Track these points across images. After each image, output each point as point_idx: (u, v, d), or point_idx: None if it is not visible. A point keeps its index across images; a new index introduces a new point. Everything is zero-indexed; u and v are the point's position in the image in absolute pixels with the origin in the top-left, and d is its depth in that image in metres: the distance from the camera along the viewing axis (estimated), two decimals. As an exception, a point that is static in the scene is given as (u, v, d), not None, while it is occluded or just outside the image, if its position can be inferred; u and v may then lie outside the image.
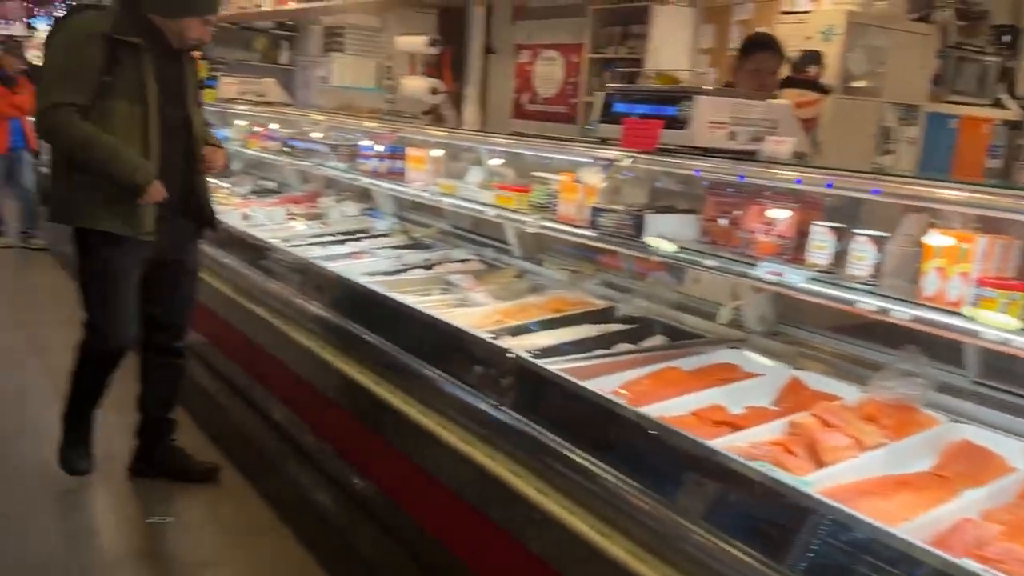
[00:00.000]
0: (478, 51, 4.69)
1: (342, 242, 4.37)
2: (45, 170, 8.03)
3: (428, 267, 3.88)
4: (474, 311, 3.18)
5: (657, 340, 2.93)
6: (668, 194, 2.80)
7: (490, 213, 3.23)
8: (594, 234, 2.73)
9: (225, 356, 4.42)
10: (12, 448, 3.57)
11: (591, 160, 2.72)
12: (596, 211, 2.69)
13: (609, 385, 2.44)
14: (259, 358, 3.92)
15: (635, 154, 2.51)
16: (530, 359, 2.38)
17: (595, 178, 2.78)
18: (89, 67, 2.88)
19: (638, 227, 2.53)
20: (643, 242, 2.52)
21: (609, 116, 2.58)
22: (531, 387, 2.34)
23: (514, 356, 2.42)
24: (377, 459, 3.02)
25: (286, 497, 3.36)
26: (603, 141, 2.72)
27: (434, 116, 4.89)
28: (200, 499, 3.31)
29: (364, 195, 5.14)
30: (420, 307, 3.13)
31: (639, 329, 3.01)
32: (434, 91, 4.64)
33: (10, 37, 13.30)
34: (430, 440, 2.57)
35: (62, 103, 2.87)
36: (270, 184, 6.24)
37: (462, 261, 3.97)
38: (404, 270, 3.83)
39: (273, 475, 3.53)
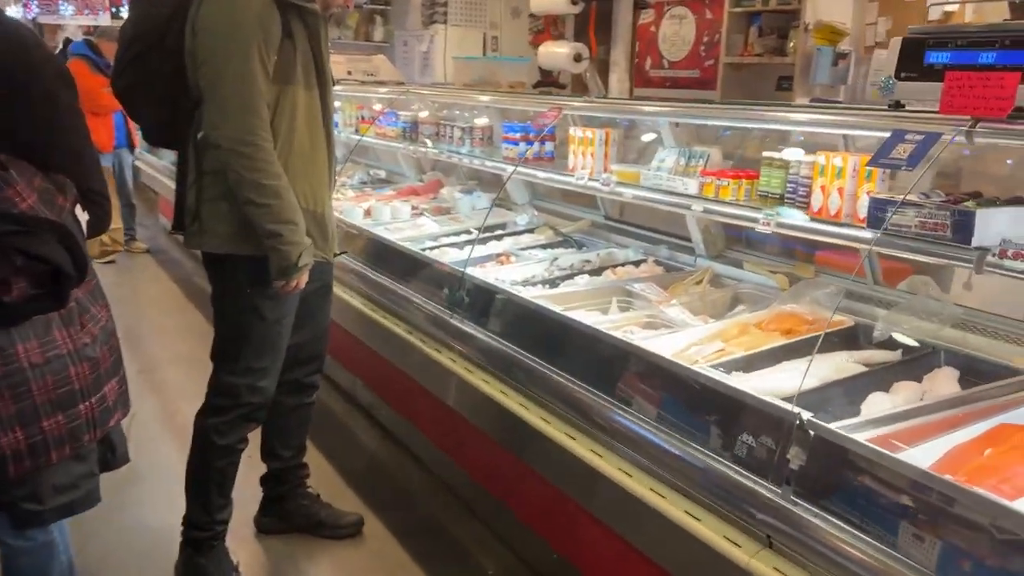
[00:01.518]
0: (628, 7, 3.93)
1: (482, 241, 3.73)
2: (144, 167, 7.66)
3: (595, 272, 3.19)
4: (680, 336, 2.47)
5: (947, 377, 2.16)
6: (977, 178, 2.02)
7: (696, 208, 2.51)
8: (873, 236, 1.98)
9: (353, 373, 3.85)
10: (127, 497, 3.06)
11: (883, 133, 1.96)
12: (881, 204, 1.94)
13: (930, 457, 1.71)
14: (395, 381, 3.32)
15: (965, 123, 1.74)
16: (834, 429, 1.65)
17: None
18: (270, 50, 2.24)
19: (963, 228, 1.77)
20: (972, 248, 1.76)
21: (918, 70, 1.82)
22: (834, 468, 1.62)
23: (805, 423, 1.70)
24: (575, 531, 2.36)
25: (442, 552, 2.77)
26: (896, 105, 1.96)
27: (572, 87, 4.19)
28: (341, 560, 2.74)
29: (493, 183, 4.49)
30: (608, 330, 2.44)
31: (917, 360, 2.25)
32: (578, 57, 3.92)
33: (97, 28, 13.14)
34: (661, 523, 1.89)
35: (258, 130, 2.23)
36: (381, 173, 5.67)
37: (635, 263, 3.26)
38: (567, 276, 3.15)
39: (424, 524, 2.95)
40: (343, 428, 3.75)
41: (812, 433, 1.66)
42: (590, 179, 2.98)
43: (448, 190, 4.74)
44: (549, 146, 3.49)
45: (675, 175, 2.66)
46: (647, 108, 2.92)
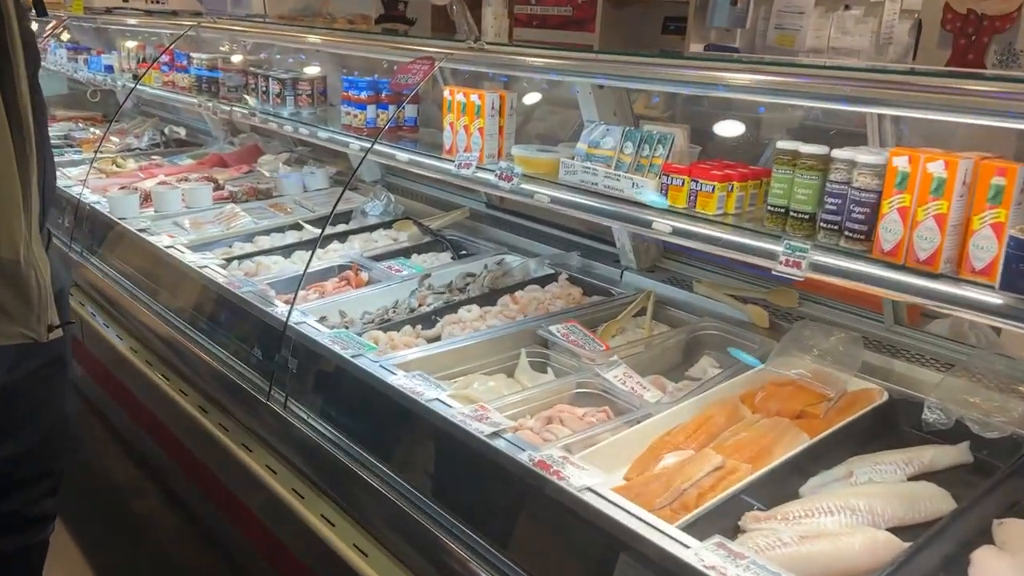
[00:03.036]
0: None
1: (321, 243, 2.65)
2: None
3: (484, 297, 2.21)
4: (641, 432, 1.56)
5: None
6: None
7: (662, 226, 1.57)
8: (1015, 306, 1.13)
9: (137, 425, 2.70)
10: None
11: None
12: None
13: None
14: (195, 466, 2.22)
15: None
16: None
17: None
18: None
19: None
20: None
21: None
22: None
23: None
24: None
25: None
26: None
27: (432, 26, 3.13)
28: None
29: (331, 150, 3.38)
30: (526, 451, 1.49)
31: (1002, 465, 1.46)
32: (442, -16, 2.85)
33: None
34: None
35: None
36: (180, 132, 4.37)
37: (540, 281, 2.30)
38: (446, 307, 2.15)
39: None
40: (126, 515, 2.62)
41: None
42: (479, 167, 1.97)
43: (269, 160, 3.58)
44: (410, 110, 2.44)
45: (619, 169, 1.70)
46: (579, 61, 1.91)
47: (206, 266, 2.30)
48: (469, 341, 1.88)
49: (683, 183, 1.58)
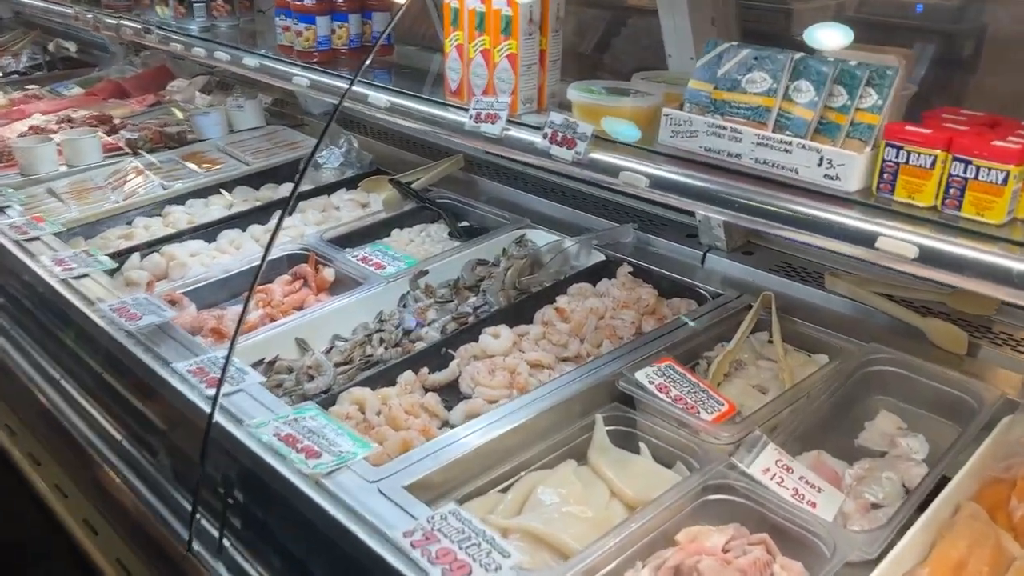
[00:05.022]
0: None
1: (257, 212, 1.86)
2: None
3: (513, 309, 1.48)
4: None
5: None
6: None
7: (897, 247, 0.85)
8: None
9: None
10: None
11: None
12: None
13: None
14: None
15: None
16: None
17: None
18: None
19: None
20: None
21: None
22: None
23: None
24: None
25: None
26: None
27: None
28: None
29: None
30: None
31: None
32: None
33: None
34: None
35: None
36: (68, 47, 3.42)
37: (589, 277, 1.57)
38: (461, 326, 1.41)
39: None
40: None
41: None
42: (512, 120, 1.21)
43: (181, 85, 2.71)
44: (380, 21, 1.63)
45: (786, 129, 0.96)
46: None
47: (85, 274, 1.51)
48: (516, 420, 1.16)
49: (932, 163, 0.86)
